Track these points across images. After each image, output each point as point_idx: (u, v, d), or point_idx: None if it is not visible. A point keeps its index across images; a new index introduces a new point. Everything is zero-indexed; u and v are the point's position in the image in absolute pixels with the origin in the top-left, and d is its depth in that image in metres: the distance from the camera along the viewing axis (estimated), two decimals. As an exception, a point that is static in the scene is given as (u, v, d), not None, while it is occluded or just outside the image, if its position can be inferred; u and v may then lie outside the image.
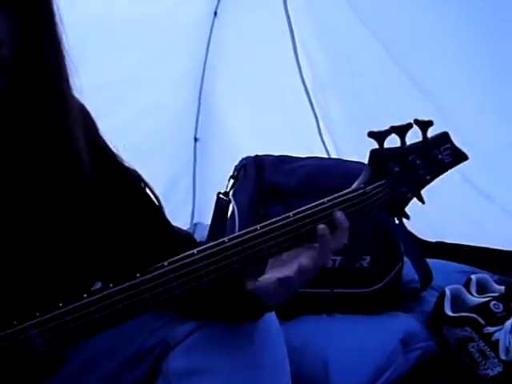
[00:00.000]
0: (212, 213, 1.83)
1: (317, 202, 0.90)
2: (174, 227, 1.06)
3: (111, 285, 0.83)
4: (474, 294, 1.65)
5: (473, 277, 1.72)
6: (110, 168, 1.00)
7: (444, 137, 1.02)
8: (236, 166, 1.82)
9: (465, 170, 1.07)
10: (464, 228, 2.12)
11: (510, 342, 1.50)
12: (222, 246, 0.86)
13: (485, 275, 1.77)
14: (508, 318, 1.54)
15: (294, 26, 2.31)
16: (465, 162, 1.02)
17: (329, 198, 0.91)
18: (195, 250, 0.85)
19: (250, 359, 0.96)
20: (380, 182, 0.95)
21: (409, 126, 0.96)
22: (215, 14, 2.39)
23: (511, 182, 1.87)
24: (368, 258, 1.67)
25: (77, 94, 0.93)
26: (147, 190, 1.03)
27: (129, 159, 1.02)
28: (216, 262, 0.85)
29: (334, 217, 0.90)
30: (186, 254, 0.85)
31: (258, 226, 0.88)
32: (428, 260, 1.90)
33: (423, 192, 1.00)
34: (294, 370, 1.01)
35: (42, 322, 0.81)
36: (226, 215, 1.80)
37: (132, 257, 0.98)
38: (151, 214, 1.03)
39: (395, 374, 1.53)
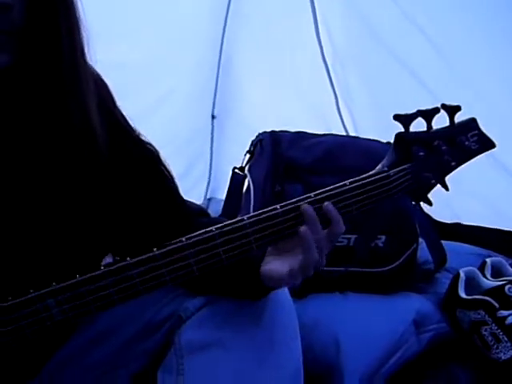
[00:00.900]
0: (227, 188, 1.83)
1: (338, 184, 0.89)
2: (186, 202, 1.06)
3: (128, 258, 0.83)
4: (489, 277, 1.64)
5: (488, 260, 1.70)
6: (125, 140, 0.99)
7: (472, 123, 1.00)
8: (252, 141, 1.81)
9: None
10: (481, 210, 2.10)
11: (523, 327, 1.49)
12: (240, 223, 0.85)
13: (500, 259, 1.76)
14: (522, 303, 1.53)
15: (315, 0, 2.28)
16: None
17: (351, 180, 0.90)
18: (213, 227, 0.85)
19: (261, 333, 0.97)
20: (404, 166, 0.94)
21: (436, 111, 0.94)
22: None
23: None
24: (383, 237, 1.65)
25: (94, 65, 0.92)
26: (161, 165, 1.02)
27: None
28: (234, 239, 0.85)
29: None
30: (204, 230, 0.85)
31: (278, 206, 0.87)
32: (443, 242, 1.88)
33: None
34: (304, 347, 1.01)
35: (58, 290, 0.82)
36: (242, 190, 1.79)
37: (143, 229, 0.98)
38: (164, 187, 1.03)
39: (406, 354, 1.53)
